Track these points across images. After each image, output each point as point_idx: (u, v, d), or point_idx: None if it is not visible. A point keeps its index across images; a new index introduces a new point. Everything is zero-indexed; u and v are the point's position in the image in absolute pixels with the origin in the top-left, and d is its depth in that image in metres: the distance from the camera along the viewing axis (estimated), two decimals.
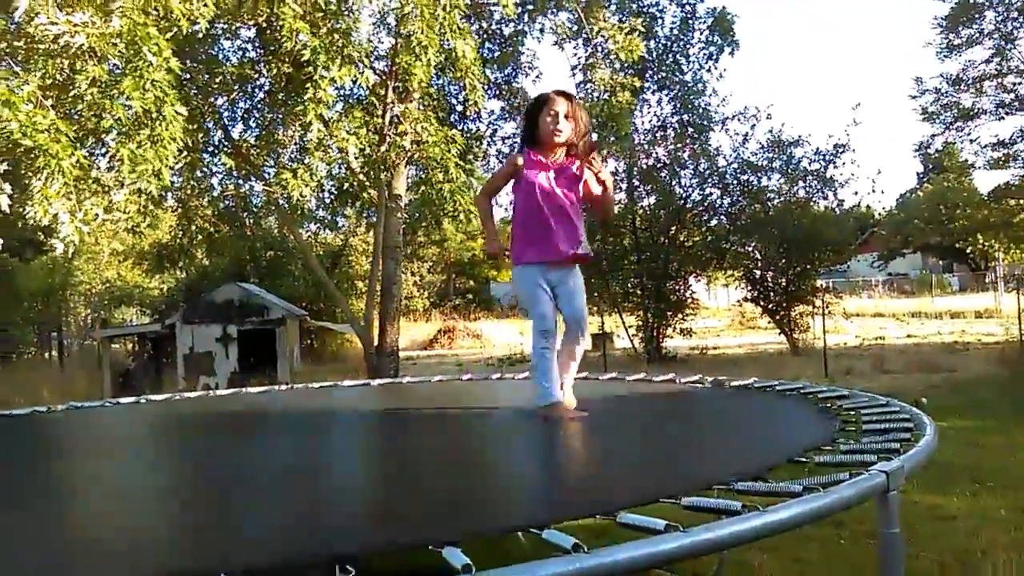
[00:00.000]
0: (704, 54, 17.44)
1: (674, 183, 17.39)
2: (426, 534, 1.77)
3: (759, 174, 17.07)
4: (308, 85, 9.36)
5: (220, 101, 12.45)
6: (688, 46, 17.43)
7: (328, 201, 13.58)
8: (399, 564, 1.96)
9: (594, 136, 3.69)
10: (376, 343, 13.39)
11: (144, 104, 7.65)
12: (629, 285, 17.27)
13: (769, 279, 17.47)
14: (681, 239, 17.62)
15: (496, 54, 15.07)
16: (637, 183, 17.61)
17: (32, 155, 7.34)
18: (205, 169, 12.90)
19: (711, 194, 17.65)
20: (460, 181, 10.95)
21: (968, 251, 38.81)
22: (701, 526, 1.70)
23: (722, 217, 17.82)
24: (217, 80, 11.83)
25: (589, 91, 14.44)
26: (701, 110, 17.23)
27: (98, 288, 28.95)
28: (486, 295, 43.94)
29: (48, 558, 1.85)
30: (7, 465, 3.34)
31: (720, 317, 27.43)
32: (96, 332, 18.89)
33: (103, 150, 9.74)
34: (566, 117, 3.46)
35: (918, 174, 50.24)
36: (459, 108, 15.16)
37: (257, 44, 12.10)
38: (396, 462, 3.16)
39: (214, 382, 15.09)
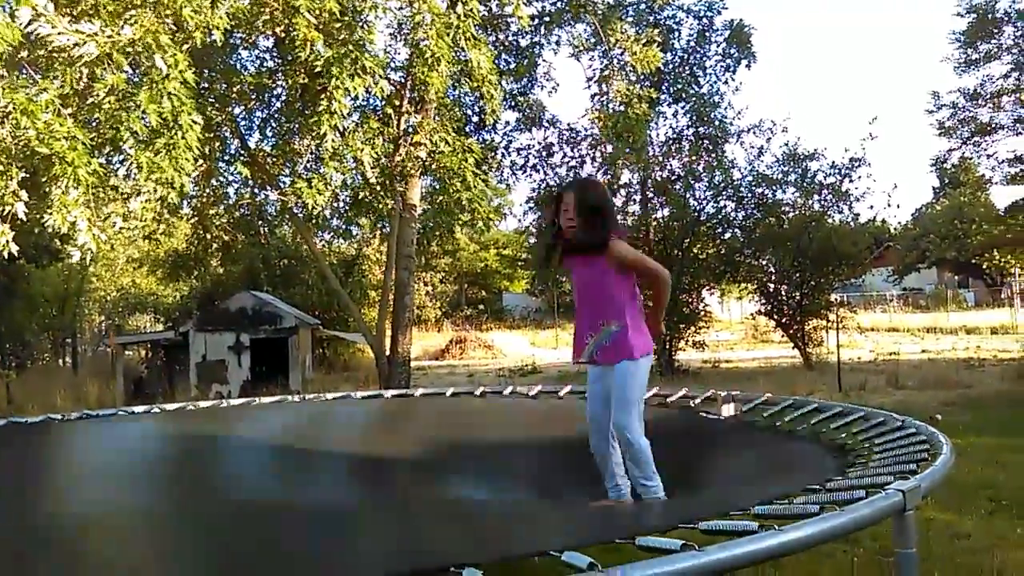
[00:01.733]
0: (721, 66, 17.43)
1: (688, 195, 17.33)
2: (447, 557, 1.77)
3: (774, 187, 17.01)
4: (323, 96, 9.37)
5: (237, 110, 12.50)
6: (705, 58, 17.42)
7: (344, 211, 13.57)
8: None
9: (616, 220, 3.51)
10: (388, 352, 13.38)
11: (161, 112, 7.67)
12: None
13: (783, 293, 17.41)
14: (695, 251, 17.56)
15: (512, 66, 15.08)
16: (651, 195, 17.59)
17: (49, 163, 7.37)
18: (221, 178, 12.96)
19: (725, 207, 17.59)
20: (479, 189, 10.95)
21: (984, 266, 38.59)
22: (716, 545, 1.69)
23: (736, 230, 17.75)
24: (235, 90, 11.87)
25: (604, 103, 14.43)
26: (717, 123, 17.19)
27: (113, 295, 29.12)
28: (498, 306, 43.96)
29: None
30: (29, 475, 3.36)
31: (733, 330, 27.34)
32: (110, 339, 18.96)
33: (120, 157, 9.79)
34: (573, 207, 3.37)
35: (934, 188, 49.95)
36: (475, 119, 15.18)
37: (275, 54, 12.14)
38: (412, 484, 3.15)
39: (227, 390, 15.12)
